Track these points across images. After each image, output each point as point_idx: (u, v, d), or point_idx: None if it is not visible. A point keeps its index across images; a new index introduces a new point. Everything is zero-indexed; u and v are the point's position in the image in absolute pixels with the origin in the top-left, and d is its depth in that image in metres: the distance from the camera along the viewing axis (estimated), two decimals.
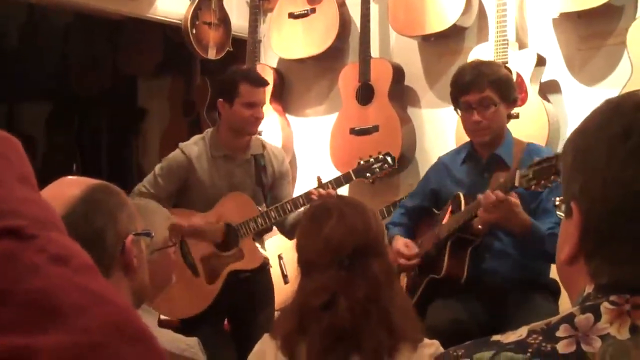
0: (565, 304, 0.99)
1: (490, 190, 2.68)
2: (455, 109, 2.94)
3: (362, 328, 1.77)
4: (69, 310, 0.40)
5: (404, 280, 3.10)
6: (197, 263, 3.28)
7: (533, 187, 2.53)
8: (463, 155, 2.99)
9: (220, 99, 3.32)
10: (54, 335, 0.39)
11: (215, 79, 4.07)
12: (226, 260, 3.28)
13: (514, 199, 2.65)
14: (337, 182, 3.33)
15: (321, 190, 3.23)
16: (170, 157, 3.33)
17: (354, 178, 3.34)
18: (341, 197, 3.08)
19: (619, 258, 0.85)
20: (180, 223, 3.16)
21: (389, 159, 3.35)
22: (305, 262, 1.90)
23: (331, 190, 3.25)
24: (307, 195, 3.24)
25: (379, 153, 3.38)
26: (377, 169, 3.34)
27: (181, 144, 3.36)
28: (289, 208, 3.26)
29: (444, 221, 2.94)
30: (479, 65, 2.90)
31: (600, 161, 0.86)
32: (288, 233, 3.44)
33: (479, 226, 2.80)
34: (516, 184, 2.58)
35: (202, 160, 3.30)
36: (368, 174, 3.34)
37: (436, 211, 3.06)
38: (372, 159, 3.36)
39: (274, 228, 3.51)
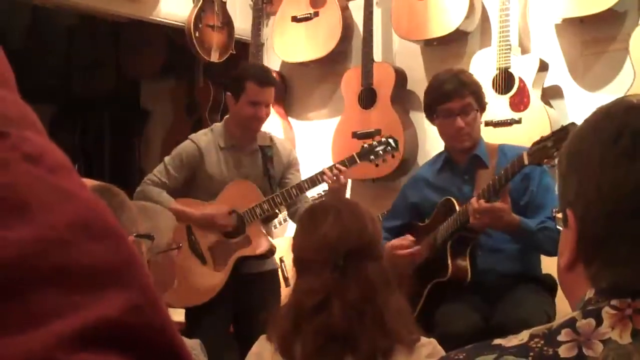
0: (563, 304, 0.99)
1: (477, 194, 2.74)
2: (430, 118, 3.01)
3: (356, 330, 1.76)
4: (36, 207, 0.39)
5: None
6: (204, 250, 3.29)
7: (546, 160, 2.60)
8: (439, 165, 3.05)
9: (228, 93, 3.36)
10: (17, 230, 0.38)
11: (222, 79, 4.08)
12: (233, 247, 3.29)
13: (502, 204, 2.69)
14: (342, 165, 3.31)
15: (334, 169, 3.22)
16: (180, 147, 3.36)
17: (358, 161, 3.32)
18: (340, 198, 3.08)
19: (616, 260, 0.85)
20: (192, 212, 3.21)
21: (391, 141, 3.36)
22: (300, 261, 1.90)
23: (343, 169, 3.24)
24: (319, 176, 3.22)
25: (382, 136, 3.40)
26: (381, 152, 3.34)
27: (191, 135, 3.40)
28: (295, 193, 3.27)
29: (441, 225, 2.93)
30: (457, 74, 2.98)
31: (593, 164, 0.87)
32: None
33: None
34: (526, 162, 2.63)
35: (211, 150, 3.32)
36: (372, 157, 3.33)
37: (421, 224, 3.05)
38: (375, 142, 3.36)
39: (279, 228, 3.50)
